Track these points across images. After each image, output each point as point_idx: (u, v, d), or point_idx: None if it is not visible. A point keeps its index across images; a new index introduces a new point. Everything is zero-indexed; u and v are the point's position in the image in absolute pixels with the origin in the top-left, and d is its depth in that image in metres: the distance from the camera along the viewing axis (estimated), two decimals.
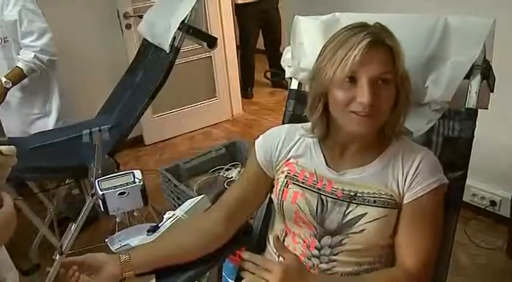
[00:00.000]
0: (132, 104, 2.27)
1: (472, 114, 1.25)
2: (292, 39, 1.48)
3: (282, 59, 1.55)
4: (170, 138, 3.98)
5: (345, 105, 1.05)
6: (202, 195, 1.58)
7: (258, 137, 1.29)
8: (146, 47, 2.45)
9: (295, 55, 1.46)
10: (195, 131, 4.08)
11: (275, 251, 1.26)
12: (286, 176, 1.20)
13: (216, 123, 4.19)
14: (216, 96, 4.19)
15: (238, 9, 4.45)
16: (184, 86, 3.84)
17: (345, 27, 1.08)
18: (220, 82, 4.14)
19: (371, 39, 1.00)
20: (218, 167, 2.88)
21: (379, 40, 1.02)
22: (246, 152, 2.57)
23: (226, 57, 4.11)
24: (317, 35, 1.37)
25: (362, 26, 1.06)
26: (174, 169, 2.84)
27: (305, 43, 1.43)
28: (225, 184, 2.68)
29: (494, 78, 1.31)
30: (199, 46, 2.35)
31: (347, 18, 1.36)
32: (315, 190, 1.16)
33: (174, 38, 2.10)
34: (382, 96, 1.02)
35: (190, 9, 2.01)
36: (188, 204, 1.52)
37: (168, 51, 2.13)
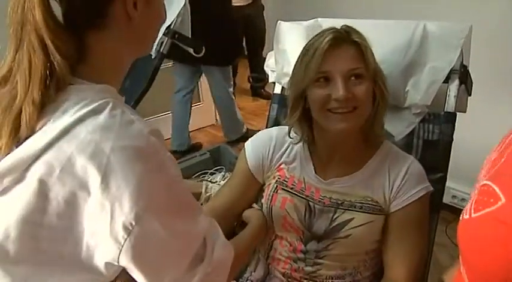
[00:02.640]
0: None
1: (450, 117, 1.29)
2: (276, 44, 1.51)
3: (265, 64, 1.57)
4: None
5: (322, 105, 1.07)
6: None
7: (247, 140, 1.30)
8: None
9: (279, 60, 1.48)
10: None
11: (263, 254, 1.27)
12: (276, 181, 1.21)
13: (200, 128, 4.18)
14: (199, 101, 4.19)
15: None
16: (168, 91, 3.83)
17: (318, 33, 1.11)
18: (204, 87, 4.14)
19: (335, 36, 1.05)
20: (202, 172, 2.88)
21: (345, 37, 1.06)
22: (230, 156, 2.57)
23: None
24: (300, 40, 1.39)
25: (330, 29, 1.09)
26: None
27: (288, 48, 1.45)
28: (207, 189, 2.68)
29: (472, 83, 1.34)
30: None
31: (329, 24, 1.38)
32: (303, 196, 1.18)
33: (161, 43, 2.11)
34: (357, 91, 1.05)
35: (176, 15, 2.02)
36: None
37: (153, 56, 2.14)
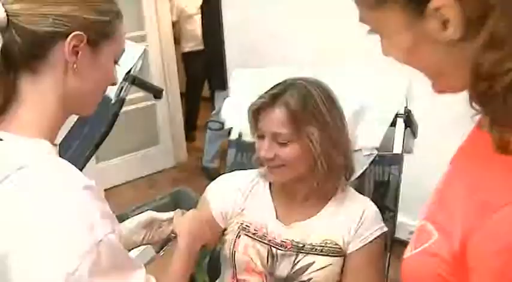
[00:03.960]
0: (79, 153, 2.26)
1: (398, 159, 1.36)
2: (232, 91, 1.57)
3: (222, 110, 1.62)
4: (114, 187, 3.91)
5: (259, 157, 1.17)
6: (146, 246, 1.58)
7: (209, 184, 1.32)
8: None
9: (235, 106, 1.54)
10: (138, 179, 4.04)
11: None
12: (239, 226, 1.24)
13: (161, 171, 4.17)
14: (160, 143, 4.20)
15: (184, 57, 4.55)
16: (127, 134, 3.82)
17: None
18: (164, 129, 4.17)
19: (267, 99, 1.14)
20: None
21: (275, 100, 1.13)
22: (191, 199, 2.58)
23: (170, 104, 4.16)
24: (254, 88, 1.44)
25: (277, 85, 1.17)
26: (118, 218, 2.78)
27: (243, 95, 1.51)
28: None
29: (417, 125, 1.43)
30: (143, 94, 2.39)
31: (282, 72, 1.45)
32: (265, 242, 1.21)
33: (121, 88, 2.13)
34: (281, 153, 1.12)
35: (136, 60, 2.06)
36: (131, 254, 1.51)
37: (113, 102, 2.15)
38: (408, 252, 0.61)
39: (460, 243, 0.51)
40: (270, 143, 1.13)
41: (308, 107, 1.12)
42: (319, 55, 2.54)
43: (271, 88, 1.17)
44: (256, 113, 1.16)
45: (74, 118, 2.55)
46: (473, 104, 0.51)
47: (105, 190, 3.83)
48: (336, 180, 1.20)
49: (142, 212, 2.39)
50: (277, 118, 1.12)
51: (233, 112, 1.55)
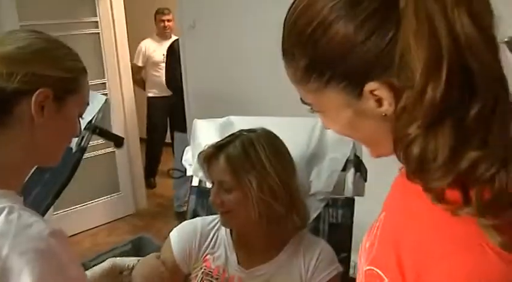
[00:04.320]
0: (39, 201, 2.25)
1: (349, 202, 1.46)
2: (192, 139, 1.64)
3: (183, 159, 1.68)
4: (72, 235, 3.84)
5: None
6: None
7: (171, 230, 1.36)
8: None
9: (195, 154, 1.60)
10: (98, 226, 3.98)
11: None
12: (202, 272, 1.28)
13: (120, 218, 4.13)
14: (119, 191, 4.17)
15: (148, 102, 4.60)
16: (86, 181, 3.79)
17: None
18: (124, 177, 4.15)
19: (210, 151, 1.23)
20: None
21: (217, 151, 1.22)
22: (152, 246, 2.57)
23: (130, 151, 4.17)
24: (214, 136, 1.53)
25: (227, 137, 1.27)
26: None
27: (203, 144, 1.57)
28: None
29: (366, 170, 1.53)
30: (102, 141, 2.41)
31: (240, 121, 1.55)
32: None
33: (82, 137, 2.16)
34: (225, 199, 1.20)
35: (98, 110, 2.11)
36: None
37: (74, 150, 2.17)
38: None
39: None
40: (217, 189, 1.21)
41: (248, 157, 1.19)
42: (279, 105, 2.66)
43: (221, 139, 1.27)
44: (206, 161, 1.24)
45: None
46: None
47: None
48: (283, 228, 1.24)
49: (103, 260, 2.38)
50: (220, 167, 1.21)
51: (193, 160, 1.62)
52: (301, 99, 0.65)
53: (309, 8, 0.57)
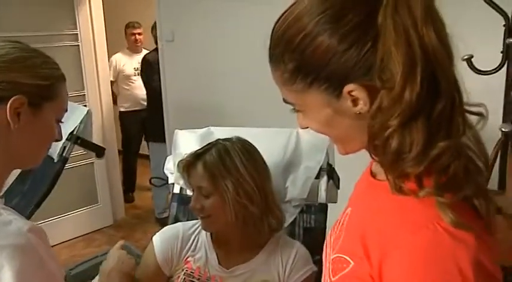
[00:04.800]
0: (18, 212, 2.26)
1: (323, 208, 1.54)
2: (174, 149, 1.71)
3: (165, 167, 1.75)
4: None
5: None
6: None
7: (154, 234, 1.43)
8: None
9: (176, 163, 1.67)
10: (75, 238, 3.97)
11: None
12: (184, 273, 1.34)
13: (98, 229, 4.13)
14: (97, 202, 4.18)
15: (121, 116, 4.62)
16: (64, 193, 3.79)
17: None
18: (102, 188, 4.16)
19: (189, 159, 1.32)
20: None
21: (197, 159, 1.31)
22: (133, 254, 2.60)
23: (108, 163, 4.19)
24: (195, 146, 1.59)
25: (205, 145, 1.36)
26: None
27: (184, 153, 1.65)
28: None
29: (339, 178, 1.62)
30: (82, 152, 2.42)
31: (220, 132, 1.63)
32: None
33: (64, 147, 2.19)
34: (204, 204, 1.29)
35: (79, 121, 2.15)
36: None
37: (55, 161, 2.21)
38: (328, 280, 0.74)
39: (378, 267, 0.63)
40: (196, 195, 1.30)
41: (224, 163, 1.28)
42: (256, 116, 2.74)
43: (199, 148, 1.35)
44: (186, 169, 1.33)
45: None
46: (372, 156, 0.67)
47: None
48: (259, 229, 1.32)
49: (83, 269, 2.42)
50: (198, 174, 1.29)
51: (175, 169, 1.68)
52: (283, 99, 0.72)
53: (297, 21, 0.64)
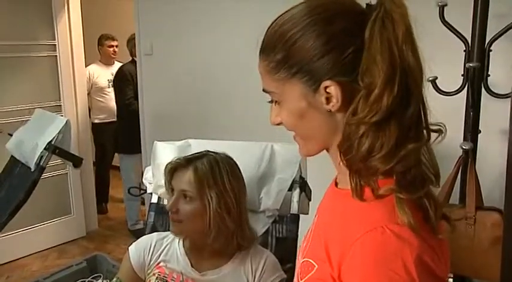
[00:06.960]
0: None
1: (295, 218, 1.61)
2: (152, 160, 1.76)
3: (143, 177, 1.80)
4: (20, 258, 3.79)
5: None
6: None
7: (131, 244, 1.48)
8: (13, 163, 2.50)
9: (155, 174, 1.73)
10: (48, 249, 3.94)
11: None
12: (157, 277, 1.40)
13: (71, 240, 4.11)
14: (71, 213, 4.16)
15: (94, 127, 4.62)
16: (37, 203, 3.76)
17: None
18: (76, 199, 4.14)
19: (180, 162, 1.37)
20: (80, 281, 2.84)
21: (185, 164, 1.37)
22: (107, 264, 2.62)
23: (82, 174, 4.18)
24: (173, 157, 1.66)
25: (195, 153, 1.42)
26: None
27: (162, 164, 1.70)
28: None
29: (311, 190, 1.70)
30: (57, 163, 2.43)
31: (197, 144, 1.69)
32: None
33: (41, 157, 2.22)
34: (181, 208, 1.34)
35: (58, 131, 2.18)
36: None
37: (33, 170, 2.23)
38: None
39: (337, 268, 0.69)
40: (176, 198, 1.34)
41: (214, 174, 1.34)
42: (228, 129, 2.81)
43: (188, 155, 1.40)
44: (172, 171, 1.38)
45: None
46: (340, 164, 0.73)
47: (9, 262, 3.70)
48: (228, 243, 1.37)
49: (57, 279, 2.43)
50: (186, 177, 1.35)
51: (153, 179, 1.74)
52: (263, 89, 0.79)
53: (292, 19, 0.73)
